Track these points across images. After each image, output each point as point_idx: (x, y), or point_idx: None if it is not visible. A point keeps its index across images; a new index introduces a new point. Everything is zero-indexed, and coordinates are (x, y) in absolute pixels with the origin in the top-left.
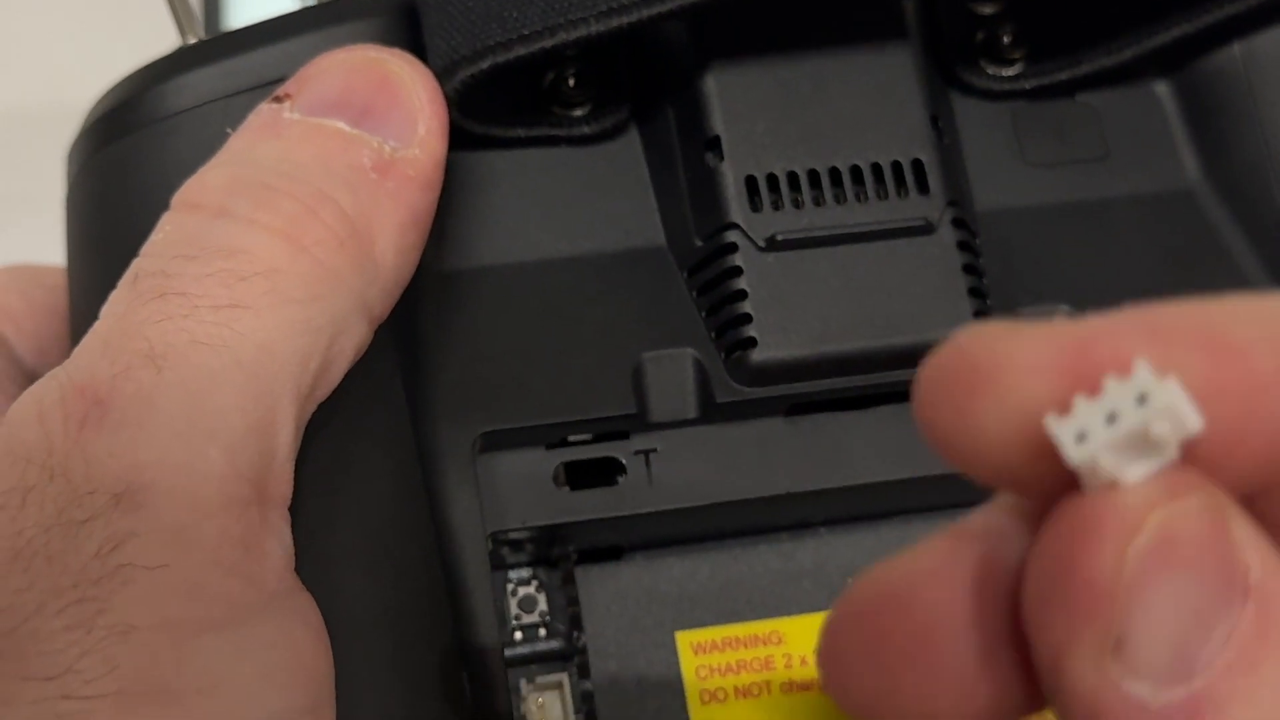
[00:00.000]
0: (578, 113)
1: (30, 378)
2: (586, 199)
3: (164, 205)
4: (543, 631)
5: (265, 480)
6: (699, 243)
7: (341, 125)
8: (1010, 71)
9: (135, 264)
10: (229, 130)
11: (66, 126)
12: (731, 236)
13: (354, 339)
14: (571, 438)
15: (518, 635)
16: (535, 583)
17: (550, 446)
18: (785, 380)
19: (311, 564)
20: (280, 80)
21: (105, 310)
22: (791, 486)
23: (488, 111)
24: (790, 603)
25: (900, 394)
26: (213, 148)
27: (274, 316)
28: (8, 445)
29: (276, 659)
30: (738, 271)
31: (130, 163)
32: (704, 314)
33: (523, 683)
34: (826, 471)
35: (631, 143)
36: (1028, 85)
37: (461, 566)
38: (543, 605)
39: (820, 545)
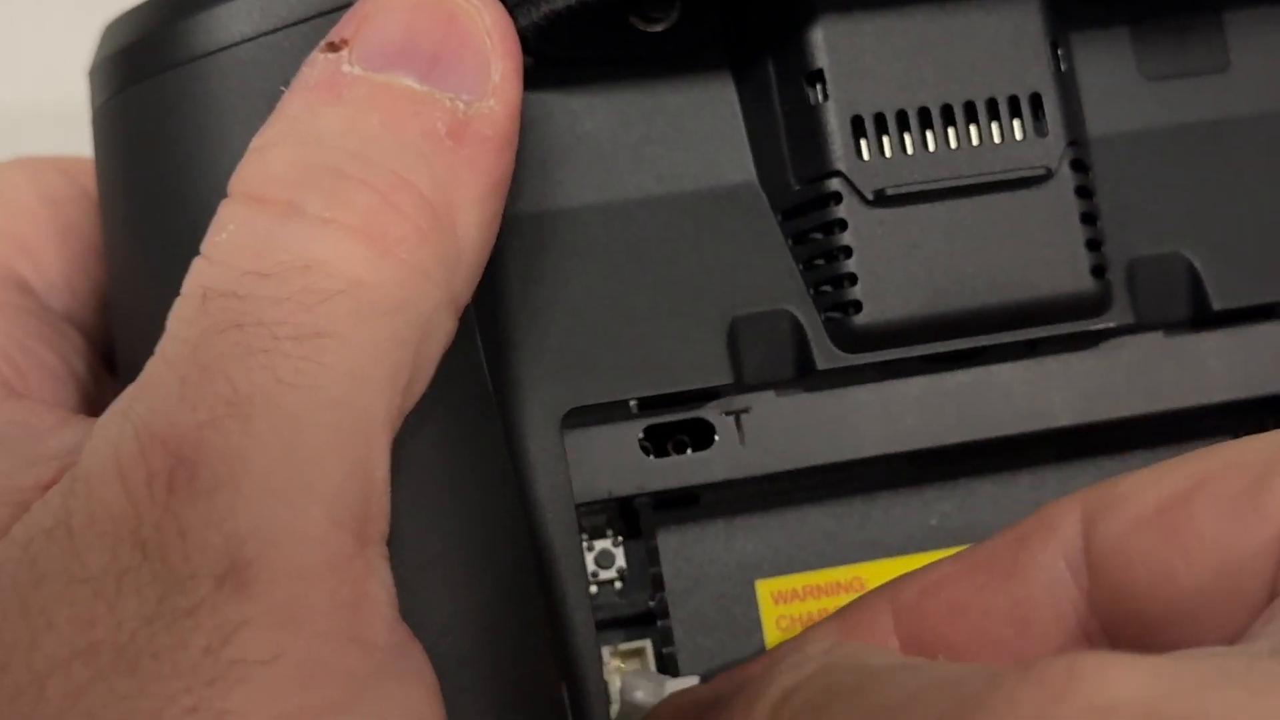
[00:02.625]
0: (659, 27)
1: (64, 318)
2: (668, 127)
3: (206, 166)
4: (619, 584)
5: (365, 522)
6: (797, 185)
7: (410, 82)
8: None
9: (200, 272)
10: (282, 86)
11: (65, 126)
12: (835, 185)
13: (443, 337)
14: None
15: (594, 590)
16: (611, 537)
17: (638, 409)
18: (890, 344)
19: (403, 574)
20: (332, 11)
21: (173, 329)
22: (891, 448)
23: (559, 32)
24: (872, 548)
25: (1011, 353)
26: (257, 95)
27: (361, 339)
28: (90, 511)
29: None
30: (842, 225)
31: (162, 109)
32: (801, 265)
33: (605, 651)
34: (929, 432)
35: (717, 63)
36: None
37: (549, 541)
38: (620, 561)
39: (901, 494)
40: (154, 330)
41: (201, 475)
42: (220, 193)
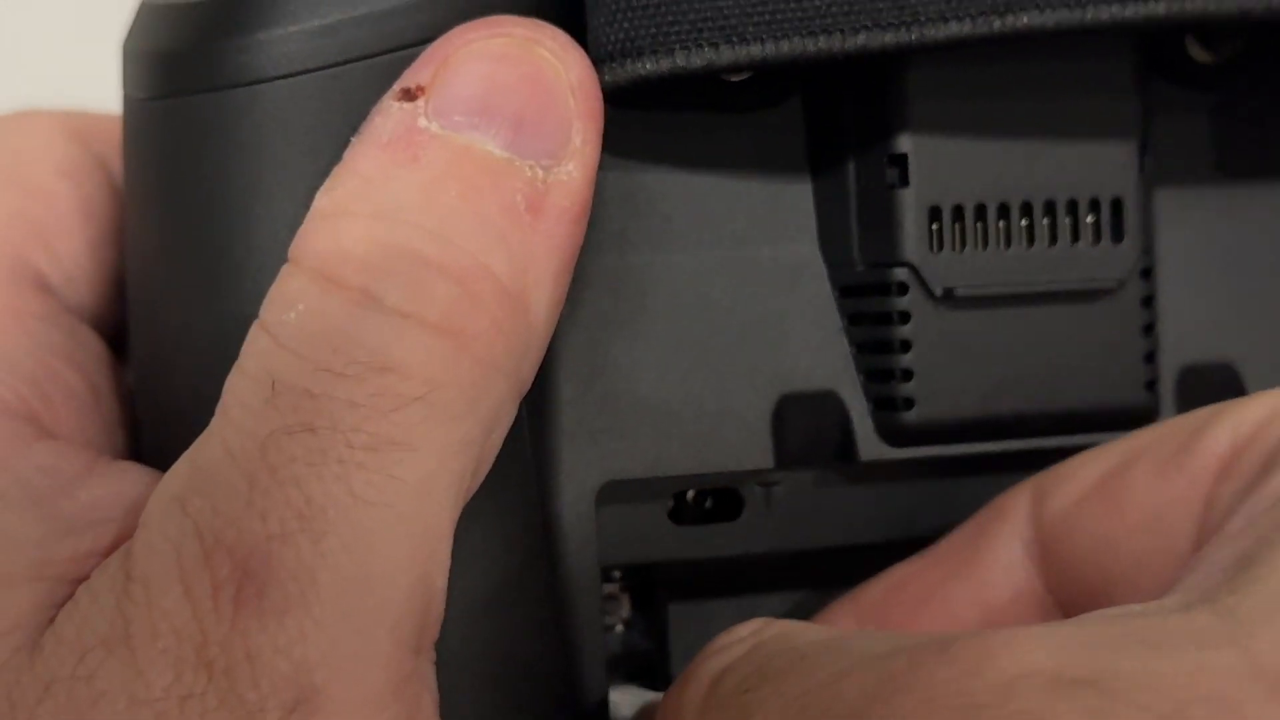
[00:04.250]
0: (738, 77)
1: (81, 316)
2: (732, 183)
3: (259, 195)
4: (620, 628)
5: (423, 634)
6: (861, 266)
7: (491, 148)
8: (1222, 54)
9: (267, 354)
10: (349, 133)
11: None
12: (902, 275)
13: (506, 425)
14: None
15: None
16: (618, 582)
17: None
18: (936, 441)
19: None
20: (405, 48)
21: (238, 417)
22: (922, 534)
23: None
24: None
25: (1054, 458)
26: (316, 134)
27: (433, 448)
28: (151, 622)
29: None
30: (904, 317)
31: (204, 132)
32: (854, 347)
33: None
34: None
35: (793, 121)
36: (1238, 74)
37: (570, 603)
38: (625, 611)
39: None
40: (181, 356)
41: (271, 594)
42: (270, 224)
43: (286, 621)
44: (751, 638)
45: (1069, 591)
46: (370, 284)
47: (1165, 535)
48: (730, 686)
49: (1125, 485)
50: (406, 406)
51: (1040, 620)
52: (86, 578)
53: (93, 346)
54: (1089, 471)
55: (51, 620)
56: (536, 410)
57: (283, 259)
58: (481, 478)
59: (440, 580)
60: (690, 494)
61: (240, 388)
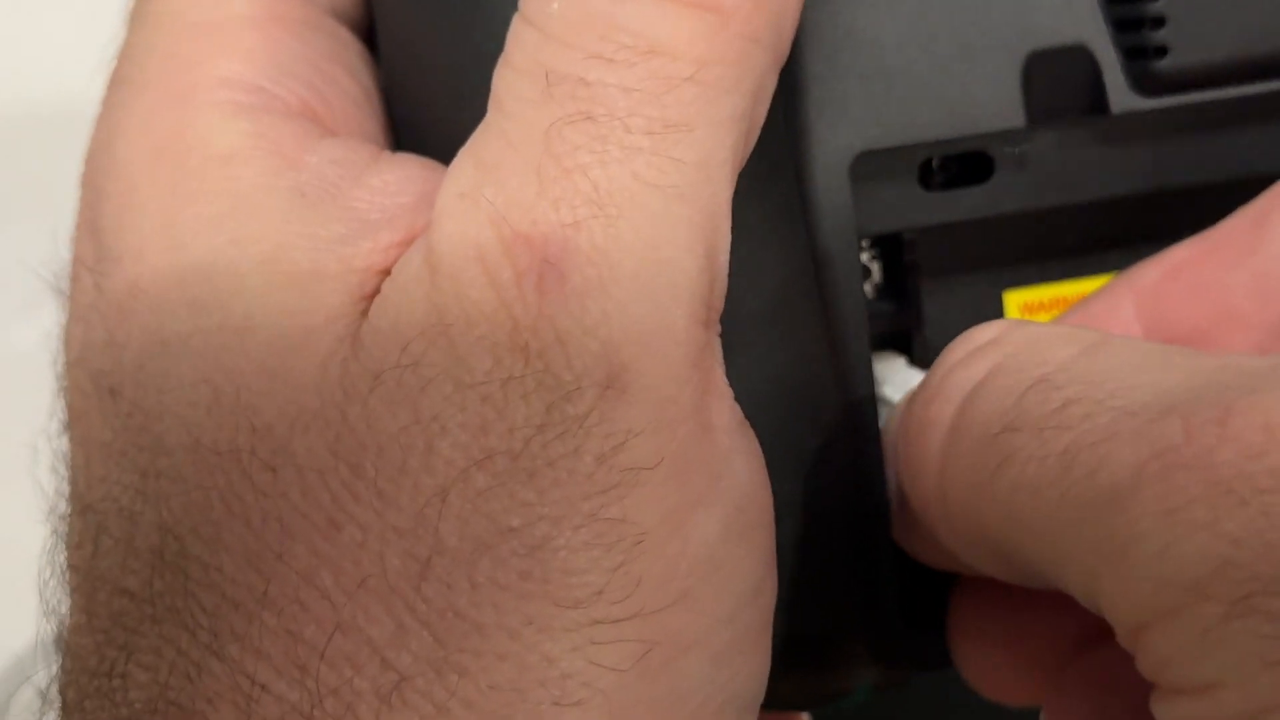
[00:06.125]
0: None
1: (331, 14)
2: None
3: None
4: (869, 292)
5: (711, 309)
6: None
7: None
8: None
9: (535, 47)
10: None
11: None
12: None
13: (768, 98)
14: None
15: None
16: (869, 251)
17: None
18: (1191, 88)
19: None
20: None
21: (514, 109)
22: (1183, 180)
23: None
24: (1126, 258)
25: None
26: None
27: (708, 126)
28: (464, 312)
29: (747, 517)
30: None
31: None
32: None
33: None
34: (1220, 170)
35: None
36: None
37: (834, 280)
38: (876, 277)
39: None
40: (433, 51)
41: (572, 279)
42: None
43: (589, 304)
44: (999, 344)
45: None
46: None
47: None
48: (986, 418)
49: None
50: (678, 87)
51: None
52: (388, 270)
53: (356, 48)
54: None
55: (364, 313)
56: (787, 86)
57: None
58: (750, 150)
59: (723, 255)
60: (936, 162)
61: (512, 81)
